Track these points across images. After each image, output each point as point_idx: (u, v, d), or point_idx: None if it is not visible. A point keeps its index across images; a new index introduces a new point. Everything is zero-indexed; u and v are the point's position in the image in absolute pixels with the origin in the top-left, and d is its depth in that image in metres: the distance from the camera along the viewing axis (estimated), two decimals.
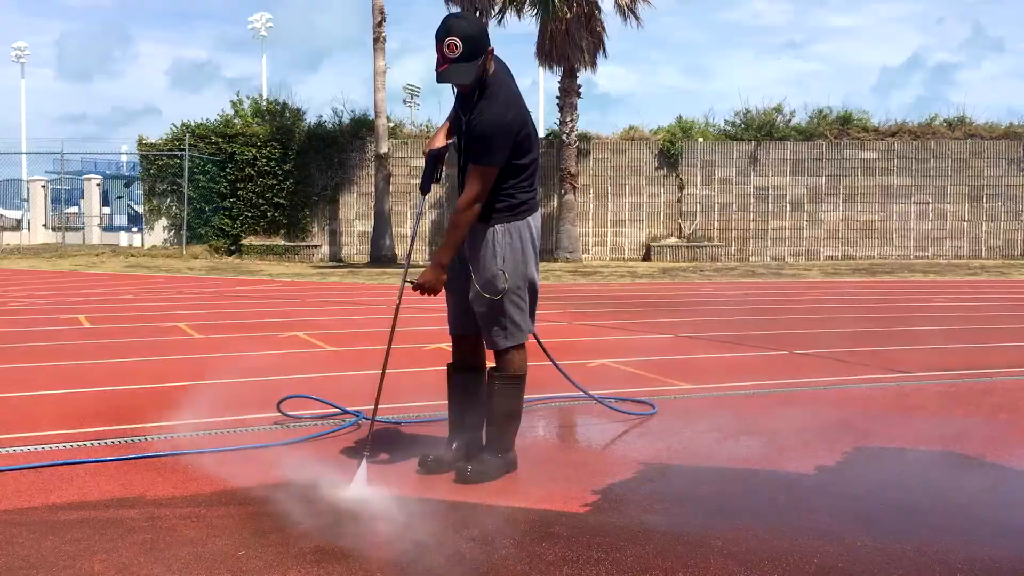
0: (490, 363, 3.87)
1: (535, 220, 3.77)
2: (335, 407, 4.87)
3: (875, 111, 57.68)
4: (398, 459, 4.00)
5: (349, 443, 4.31)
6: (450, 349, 3.98)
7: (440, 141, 3.74)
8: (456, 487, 3.59)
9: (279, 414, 4.77)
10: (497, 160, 3.57)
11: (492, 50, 3.57)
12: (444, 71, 3.50)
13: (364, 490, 3.43)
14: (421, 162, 25.37)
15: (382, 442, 4.30)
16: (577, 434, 4.72)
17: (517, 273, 3.69)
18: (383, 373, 3.77)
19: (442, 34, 3.48)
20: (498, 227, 3.66)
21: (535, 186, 3.79)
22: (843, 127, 24.62)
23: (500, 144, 3.55)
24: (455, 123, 3.75)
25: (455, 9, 21.74)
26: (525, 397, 3.88)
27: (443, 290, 3.83)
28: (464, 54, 3.47)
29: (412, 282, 3.67)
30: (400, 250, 22.96)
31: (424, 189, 3.76)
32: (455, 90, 3.67)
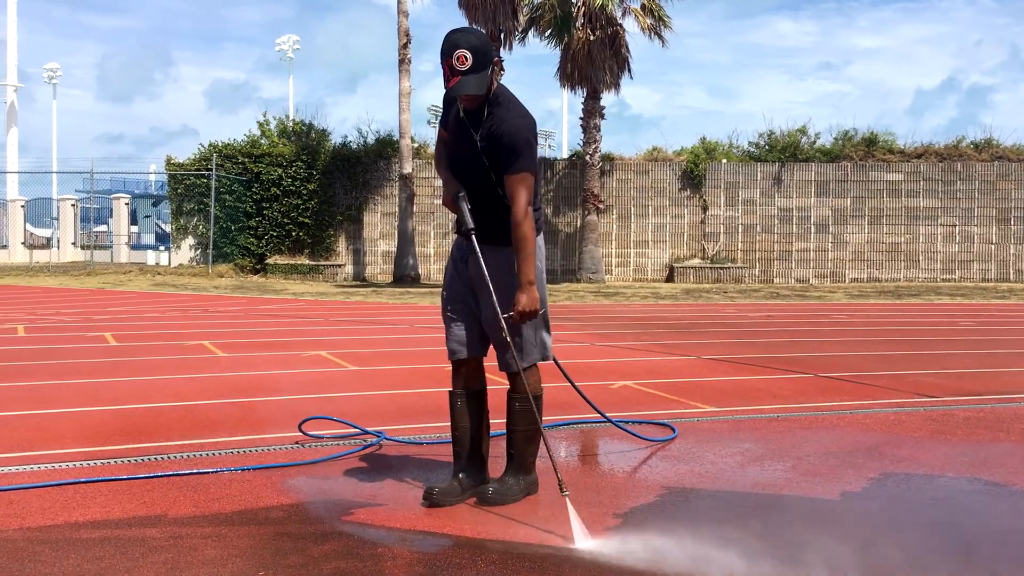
0: (492, 384, 3.84)
1: (541, 239, 3.75)
2: (356, 428, 4.87)
3: (908, 133, 57.22)
4: (413, 483, 3.98)
5: (370, 464, 4.30)
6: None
7: (457, 184, 3.70)
8: (473, 512, 3.56)
9: (301, 434, 4.78)
10: (534, 163, 3.57)
11: (498, 61, 3.59)
12: (456, 84, 3.48)
13: (588, 539, 3.20)
14: None
15: (395, 466, 4.30)
16: (599, 457, 4.69)
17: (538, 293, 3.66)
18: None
19: (449, 48, 3.47)
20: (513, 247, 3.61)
21: (540, 207, 3.77)
22: (868, 148, 24.51)
23: (533, 145, 3.57)
24: (451, 150, 3.70)
25: (481, 30, 21.92)
26: (546, 419, 3.85)
27: (443, 317, 3.80)
28: (474, 65, 3.46)
29: (511, 315, 3.53)
30: (423, 270, 23.04)
31: (468, 228, 3.64)
32: (462, 110, 3.61)
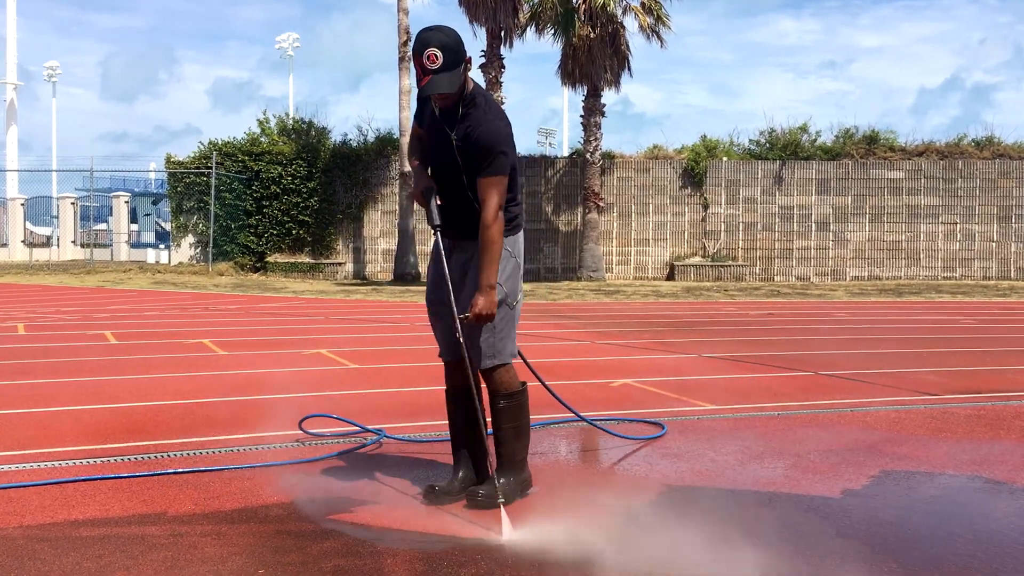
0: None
1: (521, 237, 3.72)
2: (356, 426, 4.87)
3: (910, 132, 57.26)
4: (413, 481, 3.98)
5: (370, 462, 4.30)
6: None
7: (427, 179, 3.67)
8: (474, 510, 3.55)
9: (301, 432, 4.77)
10: (507, 166, 3.53)
11: (470, 59, 3.53)
12: (428, 82, 3.45)
13: (515, 534, 3.25)
14: None
15: (395, 464, 4.29)
16: (599, 455, 4.68)
17: (513, 289, 3.64)
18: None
19: (420, 47, 3.44)
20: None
21: (521, 202, 3.75)
22: (869, 146, 24.49)
23: (507, 149, 3.52)
24: (427, 146, 3.67)
25: (480, 28, 21.91)
26: (552, 417, 3.83)
27: (429, 317, 3.78)
28: (445, 63, 3.43)
29: (466, 316, 3.50)
30: (424, 268, 23.01)
31: (435, 224, 3.64)
32: (437, 110, 3.59)
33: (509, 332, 3.66)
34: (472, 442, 3.74)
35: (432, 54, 3.42)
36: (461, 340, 3.50)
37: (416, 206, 23.13)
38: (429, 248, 22.14)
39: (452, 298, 3.53)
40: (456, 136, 3.55)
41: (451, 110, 3.57)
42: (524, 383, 3.73)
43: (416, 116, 3.80)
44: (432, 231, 3.63)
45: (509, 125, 3.58)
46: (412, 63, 3.50)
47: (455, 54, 3.44)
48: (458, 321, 3.50)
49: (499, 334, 3.62)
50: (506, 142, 3.52)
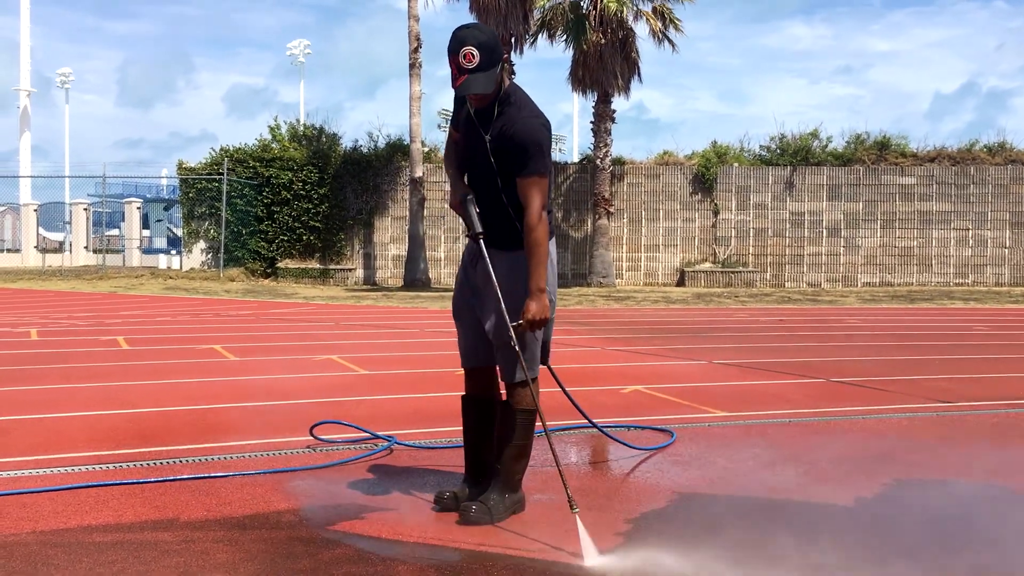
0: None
1: (553, 245, 3.60)
2: (367, 432, 4.87)
3: (924, 137, 56.96)
4: (424, 488, 3.98)
5: (381, 469, 4.30)
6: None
7: (463, 186, 3.61)
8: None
9: (312, 438, 4.78)
10: (548, 164, 3.45)
11: (507, 58, 3.49)
12: (463, 82, 3.37)
13: (598, 556, 3.09)
14: None
15: (406, 471, 4.30)
16: (609, 462, 4.67)
17: (553, 297, 3.54)
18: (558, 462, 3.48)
19: (456, 46, 3.37)
20: (524, 252, 3.47)
21: (552, 208, 3.66)
22: (881, 152, 24.41)
23: (546, 147, 3.45)
24: (462, 150, 3.60)
25: (489, 27, 21.92)
26: (553, 423, 3.81)
27: (455, 321, 3.72)
28: (481, 63, 3.35)
29: (519, 323, 3.40)
30: (434, 274, 23.06)
31: (476, 231, 3.53)
32: (472, 110, 3.51)
33: (539, 345, 3.57)
34: (486, 451, 3.68)
35: (468, 53, 3.35)
36: (517, 348, 3.37)
37: (426, 211, 23.19)
38: (439, 254, 21.99)
39: (503, 305, 3.40)
40: (491, 136, 3.46)
41: (486, 110, 3.49)
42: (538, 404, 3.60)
43: (452, 120, 3.73)
44: (472, 239, 3.52)
45: (547, 124, 3.49)
46: (448, 61, 3.41)
47: (491, 53, 3.36)
48: (511, 329, 3.37)
49: (532, 348, 3.52)
50: (543, 140, 3.44)
